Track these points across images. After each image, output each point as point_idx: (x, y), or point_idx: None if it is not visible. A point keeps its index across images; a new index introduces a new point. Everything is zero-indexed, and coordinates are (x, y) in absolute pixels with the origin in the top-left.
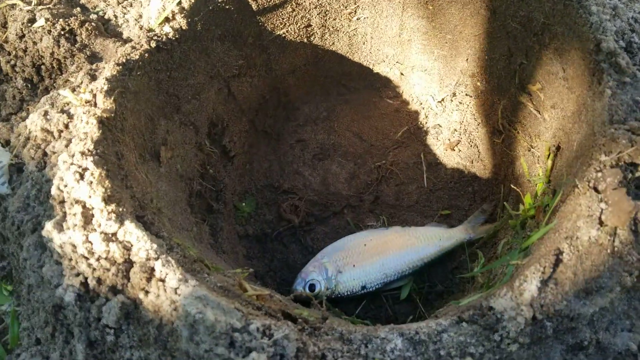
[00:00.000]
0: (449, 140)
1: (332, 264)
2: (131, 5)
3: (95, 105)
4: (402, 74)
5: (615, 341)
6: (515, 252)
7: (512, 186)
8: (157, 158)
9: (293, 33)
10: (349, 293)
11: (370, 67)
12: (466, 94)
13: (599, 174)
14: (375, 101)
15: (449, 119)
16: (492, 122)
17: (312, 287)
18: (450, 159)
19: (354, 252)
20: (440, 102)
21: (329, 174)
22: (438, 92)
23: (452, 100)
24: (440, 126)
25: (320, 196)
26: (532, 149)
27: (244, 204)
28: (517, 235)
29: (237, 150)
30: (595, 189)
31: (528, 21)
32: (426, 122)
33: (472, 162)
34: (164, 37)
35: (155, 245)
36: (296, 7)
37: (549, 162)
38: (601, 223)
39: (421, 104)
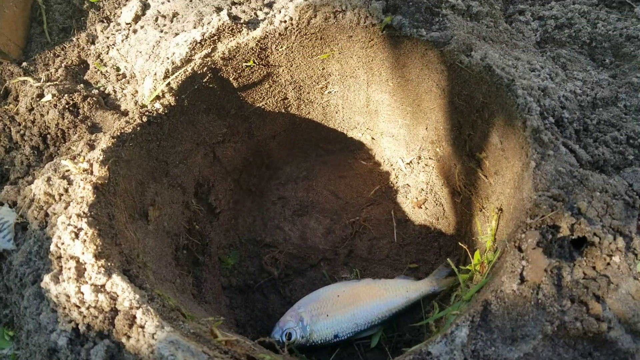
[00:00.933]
0: (417, 198)
1: (307, 314)
2: (128, 82)
3: (92, 173)
4: (373, 138)
5: None
6: (458, 303)
7: (460, 244)
8: (145, 217)
9: (272, 105)
10: (322, 341)
11: (344, 132)
12: (429, 158)
13: (522, 235)
14: (350, 162)
15: (416, 179)
16: (452, 184)
17: (289, 335)
18: (418, 216)
19: (328, 302)
20: (408, 164)
21: (307, 229)
22: (406, 155)
23: (418, 163)
24: (409, 186)
25: (299, 250)
26: (483, 209)
27: (228, 257)
28: (466, 288)
29: (222, 207)
30: (519, 249)
31: (470, 99)
32: (396, 182)
33: (438, 219)
34: (155, 112)
35: (137, 296)
36: (273, 83)
37: (494, 222)
38: (522, 278)
39: (391, 165)
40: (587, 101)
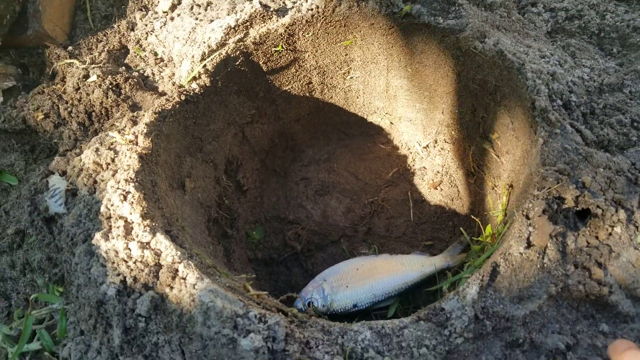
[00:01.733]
0: (433, 180)
1: (328, 285)
2: (166, 66)
3: (137, 144)
4: (391, 123)
5: (546, 341)
6: (470, 269)
7: (473, 217)
8: (182, 187)
9: (297, 89)
10: (342, 310)
11: (365, 117)
12: (445, 141)
13: (530, 205)
14: (369, 146)
15: (432, 162)
16: (466, 166)
17: (311, 303)
18: (434, 196)
19: (347, 275)
20: (425, 147)
21: (328, 208)
22: (422, 139)
23: (434, 146)
24: (425, 168)
25: (320, 227)
26: (495, 188)
27: (254, 232)
28: (477, 257)
29: (249, 185)
30: (527, 216)
31: (484, 83)
32: (413, 165)
33: (453, 200)
34: (192, 92)
35: (179, 253)
36: (299, 68)
37: (505, 198)
38: (529, 243)
39: (409, 149)
40: (594, 87)
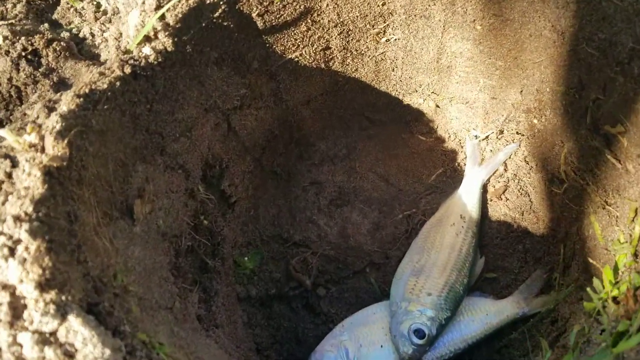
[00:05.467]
0: (494, 186)
1: (353, 343)
2: (110, 22)
3: (43, 150)
4: (437, 106)
5: None
6: (603, 354)
7: (578, 248)
8: (130, 215)
9: (308, 57)
10: None
11: (400, 97)
12: (517, 132)
13: None
14: (404, 137)
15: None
16: (550, 168)
17: None
18: (496, 209)
19: (381, 328)
20: (484, 139)
21: (348, 224)
22: (481, 128)
23: (498, 139)
24: None
25: (338, 251)
26: (607, 206)
27: (246, 258)
28: (595, 323)
29: (239, 194)
30: None
31: (610, 46)
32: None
33: (523, 214)
34: (143, 60)
35: (107, 351)
36: (312, 25)
37: (637, 227)
38: None
39: (460, 141)
40: None
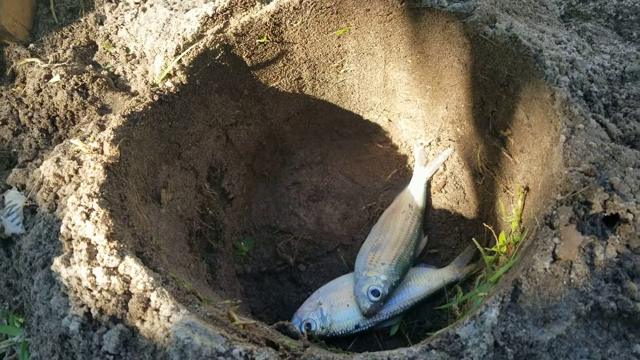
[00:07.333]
0: (436, 182)
1: (326, 304)
2: (138, 63)
3: (102, 152)
4: (390, 120)
5: None
6: (485, 285)
7: (485, 224)
8: (158, 200)
9: (285, 85)
10: (343, 332)
11: (360, 114)
12: (449, 139)
13: (554, 212)
14: (366, 146)
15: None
16: (473, 165)
17: (308, 325)
18: (438, 200)
19: (348, 292)
20: (426, 146)
21: (323, 215)
22: (424, 136)
23: (437, 145)
24: None
25: (315, 236)
26: (507, 190)
27: (242, 243)
28: (491, 270)
29: (235, 192)
30: (551, 225)
31: (495, 74)
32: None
33: (458, 203)
34: (166, 91)
35: (151, 278)
36: (287, 62)
37: (520, 202)
38: (555, 256)
39: (409, 147)
40: (616, 75)
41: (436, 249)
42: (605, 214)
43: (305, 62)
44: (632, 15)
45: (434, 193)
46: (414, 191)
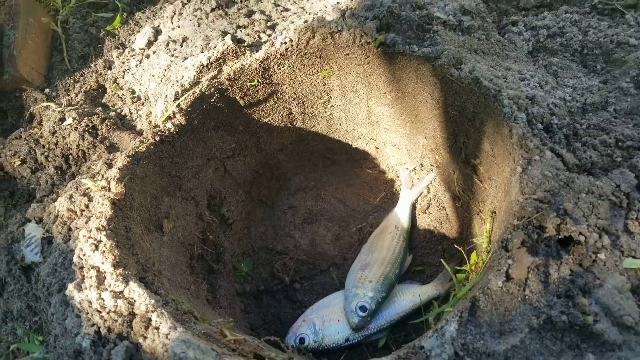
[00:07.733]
0: (420, 204)
1: (319, 319)
2: (143, 104)
3: (109, 189)
4: (377, 147)
5: None
6: (453, 301)
7: (456, 246)
8: (160, 229)
9: (277, 120)
10: (334, 345)
11: (349, 143)
12: (431, 165)
13: (509, 236)
14: (356, 171)
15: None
16: (452, 189)
17: (301, 340)
18: (423, 220)
19: (339, 308)
20: (412, 171)
21: (316, 236)
22: (409, 162)
23: (421, 170)
24: None
25: (309, 256)
26: (480, 213)
27: (242, 264)
28: (460, 287)
29: (235, 217)
30: (505, 248)
31: (463, 109)
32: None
33: (441, 223)
34: (167, 131)
35: (152, 301)
36: (277, 100)
37: (488, 224)
38: (508, 276)
39: (396, 172)
40: (577, 107)
41: (421, 266)
42: (560, 237)
43: (294, 100)
44: (596, 49)
45: (418, 214)
46: (400, 213)
